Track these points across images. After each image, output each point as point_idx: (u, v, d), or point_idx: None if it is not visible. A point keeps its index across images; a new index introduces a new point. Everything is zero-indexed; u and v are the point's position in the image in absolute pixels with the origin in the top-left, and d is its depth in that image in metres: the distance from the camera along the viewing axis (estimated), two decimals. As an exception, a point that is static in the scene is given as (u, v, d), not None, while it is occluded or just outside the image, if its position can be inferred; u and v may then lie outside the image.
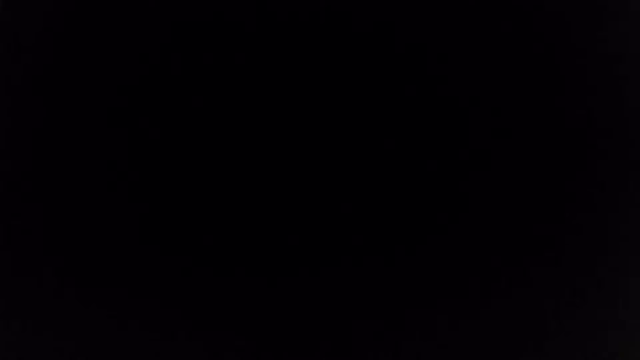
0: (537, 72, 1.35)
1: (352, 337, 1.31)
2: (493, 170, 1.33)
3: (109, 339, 1.31)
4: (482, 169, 1.33)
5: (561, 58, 1.35)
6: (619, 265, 1.34)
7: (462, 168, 1.33)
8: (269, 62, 1.34)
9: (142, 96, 1.34)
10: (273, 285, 1.31)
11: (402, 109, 1.33)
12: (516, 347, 1.32)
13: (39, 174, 1.33)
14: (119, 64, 1.34)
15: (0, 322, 1.32)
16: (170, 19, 1.34)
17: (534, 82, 1.35)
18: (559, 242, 1.33)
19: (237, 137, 1.33)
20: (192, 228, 1.32)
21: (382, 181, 1.33)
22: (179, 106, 1.34)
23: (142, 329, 1.31)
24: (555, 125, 1.34)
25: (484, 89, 1.34)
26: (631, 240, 1.34)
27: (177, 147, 1.33)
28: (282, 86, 1.34)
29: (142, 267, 1.31)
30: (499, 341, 1.32)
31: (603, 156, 1.34)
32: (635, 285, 1.34)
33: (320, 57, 1.34)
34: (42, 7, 1.36)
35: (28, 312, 1.32)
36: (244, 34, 1.34)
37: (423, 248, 1.32)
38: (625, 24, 1.37)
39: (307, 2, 1.35)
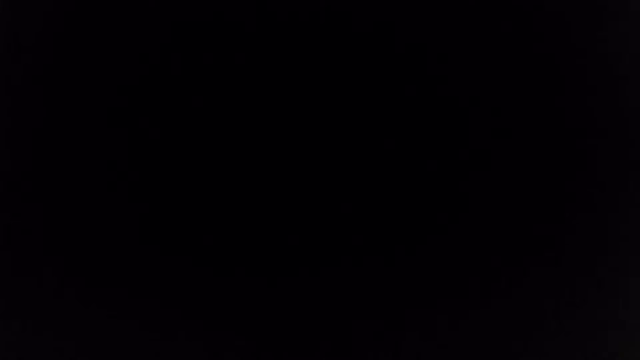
0: (537, 72, 1.35)
1: (352, 337, 1.31)
2: (493, 170, 1.33)
3: (109, 339, 1.31)
4: (482, 169, 1.33)
5: (561, 58, 1.35)
6: (619, 265, 1.34)
7: (462, 168, 1.33)
8: (269, 62, 1.34)
9: (142, 96, 1.34)
10: (273, 285, 1.31)
11: (402, 108, 1.34)
12: (516, 347, 1.32)
13: (39, 174, 1.33)
14: (119, 63, 1.34)
15: (0, 322, 1.32)
16: (170, 18, 1.34)
17: (534, 82, 1.35)
18: (559, 242, 1.33)
19: (237, 137, 1.33)
20: (192, 228, 1.32)
21: (382, 181, 1.33)
22: (179, 106, 1.34)
23: (142, 329, 1.31)
24: (555, 125, 1.34)
25: (484, 89, 1.34)
26: (631, 240, 1.34)
27: (177, 147, 1.33)
28: (282, 86, 1.34)
29: (142, 267, 1.31)
30: (499, 341, 1.32)
31: (603, 156, 1.34)
32: (635, 285, 1.34)
33: (320, 57, 1.34)
34: (42, 7, 1.36)
35: (28, 312, 1.32)
36: (243, 34, 1.34)
37: (423, 248, 1.32)
38: (625, 24, 1.37)
39: (307, 2, 1.35)
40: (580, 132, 1.35)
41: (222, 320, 1.31)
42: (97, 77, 1.34)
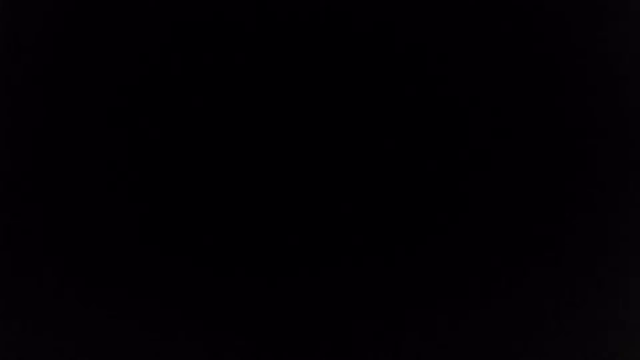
0: (537, 72, 1.35)
1: (352, 337, 1.31)
2: (493, 170, 1.33)
3: (109, 339, 1.31)
4: (482, 169, 1.33)
5: (561, 58, 1.35)
6: (619, 265, 1.34)
7: (462, 168, 1.33)
8: (269, 62, 1.34)
9: (142, 96, 1.34)
10: (273, 286, 1.31)
11: (401, 109, 1.34)
12: (516, 347, 1.32)
13: (39, 174, 1.33)
14: (119, 63, 1.34)
15: (0, 322, 1.32)
16: (170, 18, 1.34)
17: (533, 82, 1.35)
18: (559, 242, 1.33)
19: (237, 137, 1.33)
20: (192, 228, 1.32)
21: (382, 181, 1.33)
22: (179, 106, 1.34)
23: (142, 329, 1.31)
24: (555, 125, 1.34)
25: (484, 89, 1.34)
26: (631, 240, 1.34)
27: (177, 147, 1.33)
28: (282, 86, 1.34)
29: (142, 267, 1.31)
30: (499, 341, 1.32)
31: (603, 156, 1.34)
32: (635, 285, 1.34)
33: (320, 57, 1.34)
34: (42, 7, 1.36)
35: (28, 312, 1.32)
36: (244, 34, 1.34)
37: (423, 248, 1.32)
38: (625, 24, 1.37)
39: (307, 2, 1.35)
40: (580, 132, 1.35)
41: (221, 320, 1.31)
42: (96, 77, 1.34)
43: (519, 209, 1.33)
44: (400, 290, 1.32)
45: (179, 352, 1.31)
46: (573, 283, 1.33)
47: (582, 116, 1.35)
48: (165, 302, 1.31)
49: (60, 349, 1.31)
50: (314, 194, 1.32)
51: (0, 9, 1.36)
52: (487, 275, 1.32)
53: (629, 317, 1.33)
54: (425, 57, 1.34)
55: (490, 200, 1.32)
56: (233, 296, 1.31)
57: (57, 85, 1.34)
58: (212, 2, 1.35)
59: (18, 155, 1.34)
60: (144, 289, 1.31)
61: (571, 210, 1.33)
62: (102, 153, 1.33)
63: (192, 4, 1.35)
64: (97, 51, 1.35)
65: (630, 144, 1.35)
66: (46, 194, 1.33)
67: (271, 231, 1.32)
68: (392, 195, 1.32)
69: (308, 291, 1.31)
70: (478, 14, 1.35)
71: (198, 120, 1.33)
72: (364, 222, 1.32)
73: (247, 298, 1.31)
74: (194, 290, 1.31)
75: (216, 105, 1.33)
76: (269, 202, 1.32)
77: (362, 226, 1.32)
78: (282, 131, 1.33)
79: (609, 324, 1.33)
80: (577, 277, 1.33)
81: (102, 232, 1.32)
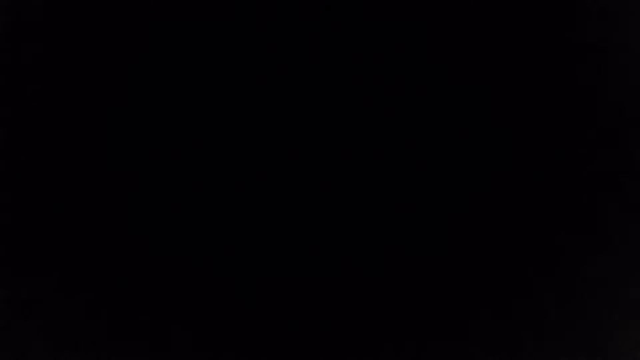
0: (537, 72, 1.35)
1: (352, 337, 1.31)
2: (493, 170, 1.33)
3: (109, 339, 1.31)
4: (482, 168, 1.33)
5: (561, 58, 1.35)
6: (619, 265, 1.34)
7: (462, 168, 1.33)
8: (268, 62, 1.34)
9: (141, 96, 1.34)
10: (272, 287, 1.31)
11: (402, 109, 1.33)
12: (516, 347, 1.32)
13: (39, 174, 1.33)
14: (119, 63, 1.34)
15: (0, 322, 1.32)
16: (169, 19, 1.34)
17: (533, 82, 1.35)
18: (558, 242, 1.33)
19: (237, 137, 1.33)
20: (191, 228, 1.32)
21: (382, 181, 1.33)
22: (179, 107, 1.34)
23: (142, 329, 1.31)
24: (555, 125, 1.34)
25: (484, 89, 1.34)
26: (631, 240, 1.34)
27: (177, 147, 1.33)
28: (282, 86, 1.34)
29: (142, 267, 1.31)
30: (499, 341, 1.32)
31: (603, 156, 1.34)
32: (635, 285, 1.34)
33: (320, 57, 1.34)
34: (42, 7, 1.36)
35: (28, 312, 1.32)
36: (244, 34, 1.34)
37: (423, 247, 1.32)
38: (625, 24, 1.37)
39: (307, 2, 1.35)
40: (580, 132, 1.35)
41: (221, 320, 1.31)
42: (96, 77, 1.34)
43: (518, 209, 1.33)
44: (400, 290, 1.32)
45: (179, 351, 1.31)
46: (573, 283, 1.33)
47: (582, 116, 1.35)
48: (165, 301, 1.31)
49: (61, 349, 1.31)
50: (314, 193, 1.32)
51: (0, 9, 1.36)
52: (486, 275, 1.32)
53: (629, 317, 1.33)
54: (425, 57, 1.34)
55: (490, 200, 1.32)
56: (232, 296, 1.31)
57: (56, 85, 1.34)
58: (212, 2, 1.35)
59: (18, 155, 1.34)
60: (143, 288, 1.31)
61: (571, 210, 1.33)
62: (101, 152, 1.33)
63: (193, 5, 1.35)
64: (96, 51, 1.34)
65: (630, 144, 1.35)
66: (46, 193, 1.33)
67: (270, 232, 1.32)
68: (392, 195, 1.32)
69: (307, 292, 1.31)
70: (477, 14, 1.35)
71: (197, 120, 1.33)
72: (364, 222, 1.32)
73: (246, 298, 1.31)
74: (192, 291, 1.31)
75: (216, 106, 1.33)
76: (268, 202, 1.32)
77: (362, 226, 1.32)
78: (282, 131, 1.33)
79: (609, 324, 1.33)
80: (577, 277, 1.33)
81: (102, 232, 1.32)
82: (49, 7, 1.35)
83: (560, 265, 1.33)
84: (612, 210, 1.34)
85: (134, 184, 1.32)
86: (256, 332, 1.31)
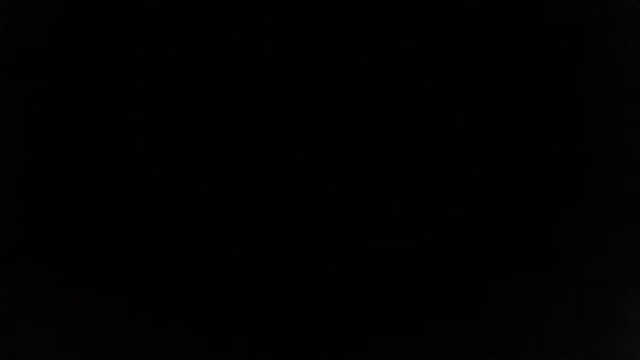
0: (537, 72, 1.35)
1: (352, 337, 1.31)
2: (493, 170, 1.33)
3: (109, 338, 1.31)
4: (482, 168, 1.33)
5: (561, 58, 1.35)
6: (619, 265, 1.34)
7: (462, 168, 1.33)
8: (268, 62, 1.34)
9: (141, 96, 1.34)
10: (272, 287, 1.31)
11: (402, 108, 1.33)
12: (516, 347, 1.32)
13: (39, 174, 1.33)
14: (119, 63, 1.34)
15: (0, 322, 1.32)
16: (170, 19, 1.34)
17: (533, 82, 1.35)
18: (558, 242, 1.33)
19: (237, 136, 1.33)
20: (191, 228, 1.32)
21: (382, 181, 1.33)
22: (180, 107, 1.34)
23: (142, 329, 1.31)
24: (555, 125, 1.34)
25: (484, 89, 1.34)
26: (631, 240, 1.34)
27: (177, 147, 1.33)
28: (282, 86, 1.34)
29: (142, 267, 1.31)
30: (499, 341, 1.32)
31: (603, 156, 1.34)
32: (635, 285, 1.34)
33: (320, 57, 1.34)
34: (42, 7, 1.36)
35: (28, 312, 1.32)
36: (244, 34, 1.34)
37: (422, 247, 1.32)
38: (626, 24, 1.37)
39: (307, 3, 1.35)
40: (580, 132, 1.35)
41: (221, 320, 1.31)
42: (96, 76, 1.34)
43: (519, 209, 1.33)
44: (399, 289, 1.32)
45: (179, 351, 1.31)
46: (573, 283, 1.33)
47: (582, 116, 1.35)
48: (165, 302, 1.31)
49: (60, 349, 1.31)
50: (314, 194, 1.32)
51: (0, 9, 1.36)
52: (486, 274, 1.32)
53: (629, 317, 1.33)
54: (424, 57, 1.34)
55: (490, 200, 1.32)
56: (231, 295, 1.31)
57: (57, 85, 1.34)
58: (213, 4, 1.35)
59: (18, 155, 1.34)
60: (143, 288, 1.31)
61: (571, 210, 1.33)
62: (101, 152, 1.33)
63: (193, 7, 1.35)
64: (96, 51, 1.34)
65: (630, 144, 1.35)
66: (46, 193, 1.33)
67: (270, 229, 1.32)
68: (392, 195, 1.32)
69: (307, 290, 1.31)
70: (478, 14, 1.35)
71: (197, 119, 1.33)
72: (364, 222, 1.32)
73: (246, 298, 1.31)
74: (191, 287, 1.31)
75: (215, 105, 1.33)
76: (268, 201, 1.32)
77: (362, 225, 1.32)
78: (282, 131, 1.33)
79: (609, 324, 1.33)
80: (576, 277, 1.33)
81: (101, 232, 1.32)
82: (49, 7, 1.35)
83: (560, 265, 1.33)
84: (612, 210, 1.34)
85: (134, 184, 1.32)
86: (256, 332, 1.31)
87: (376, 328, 1.31)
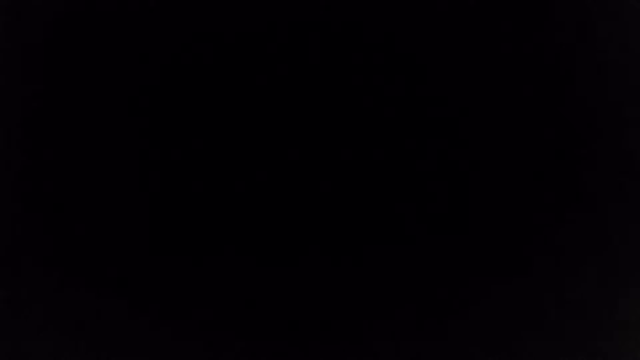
0: (537, 72, 1.35)
1: (352, 337, 1.31)
2: (493, 170, 1.33)
3: (109, 338, 1.31)
4: (481, 168, 1.33)
5: (561, 58, 1.35)
6: (619, 265, 1.34)
7: (461, 168, 1.33)
8: (268, 62, 1.34)
9: (141, 96, 1.34)
10: (272, 287, 1.31)
11: (402, 108, 1.33)
12: (516, 347, 1.32)
13: (39, 174, 1.33)
14: (119, 63, 1.34)
15: (0, 322, 1.32)
16: (170, 19, 1.34)
17: (533, 82, 1.35)
18: (558, 242, 1.33)
19: (237, 136, 1.33)
20: (191, 228, 1.32)
21: (382, 181, 1.33)
22: (180, 107, 1.34)
23: (142, 329, 1.31)
24: (555, 125, 1.34)
25: (484, 89, 1.34)
26: (631, 240, 1.34)
27: (177, 147, 1.33)
28: (282, 86, 1.34)
29: (142, 267, 1.31)
30: (499, 341, 1.32)
31: (603, 156, 1.34)
32: (635, 285, 1.34)
33: (320, 57, 1.34)
34: (42, 7, 1.36)
35: (28, 312, 1.32)
36: (244, 34, 1.34)
37: (422, 247, 1.32)
38: (626, 24, 1.37)
39: (306, 4, 1.35)
40: (580, 132, 1.35)
41: (221, 320, 1.31)
42: (96, 76, 1.34)
43: (518, 209, 1.33)
44: (399, 289, 1.32)
45: (178, 351, 1.31)
46: (573, 283, 1.33)
47: (582, 116, 1.35)
48: (165, 302, 1.31)
49: (60, 349, 1.31)
50: (314, 193, 1.32)
51: (0, 9, 1.36)
52: (486, 274, 1.32)
53: (629, 317, 1.33)
54: (424, 57, 1.34)
55: (490, 200, 1.32)
56: (230, 294, 1.31)
57: (57, 85, 1.34)
58: (214, 5, 1.35)
59: (18, 155, 1.34)
60: (143, 287, 1.31)
61: (571, 210, 1.33)
62: (100, 152, 1.33)
63: (192, 5, 1.35)
64: (96, 51, 1.34)
65: (630, 145, 1.35)
66: (46, 193, 1.33)
67: (270, 228, 1.32)
68: (391, 194, 1.32)
69: (307, 289, 1.31)
70: (478, 14, 1.35)
71: (197, 119, 1.33)
72: (363, 221, 1.32)
73: (245, 297, 1.31)
74: (190, 287, 1.31)
75: (215, 105, 1.33)
76: (268, 201, 1.32)
77: (361, 225, 1.32)
78: (282, 131, 1.33)
79: (609, 324, 1.33)
80: (576, 277, 1.33)
81: (100, 232, 1.32)
82: (49, 7, 1.35)
83: (560, 265, 1.33)
84: (612, 210, 1.34)
85: (134, 183, 1.32)
86: (256, 332, 1.31)
87: (376, 328, 1.31)
